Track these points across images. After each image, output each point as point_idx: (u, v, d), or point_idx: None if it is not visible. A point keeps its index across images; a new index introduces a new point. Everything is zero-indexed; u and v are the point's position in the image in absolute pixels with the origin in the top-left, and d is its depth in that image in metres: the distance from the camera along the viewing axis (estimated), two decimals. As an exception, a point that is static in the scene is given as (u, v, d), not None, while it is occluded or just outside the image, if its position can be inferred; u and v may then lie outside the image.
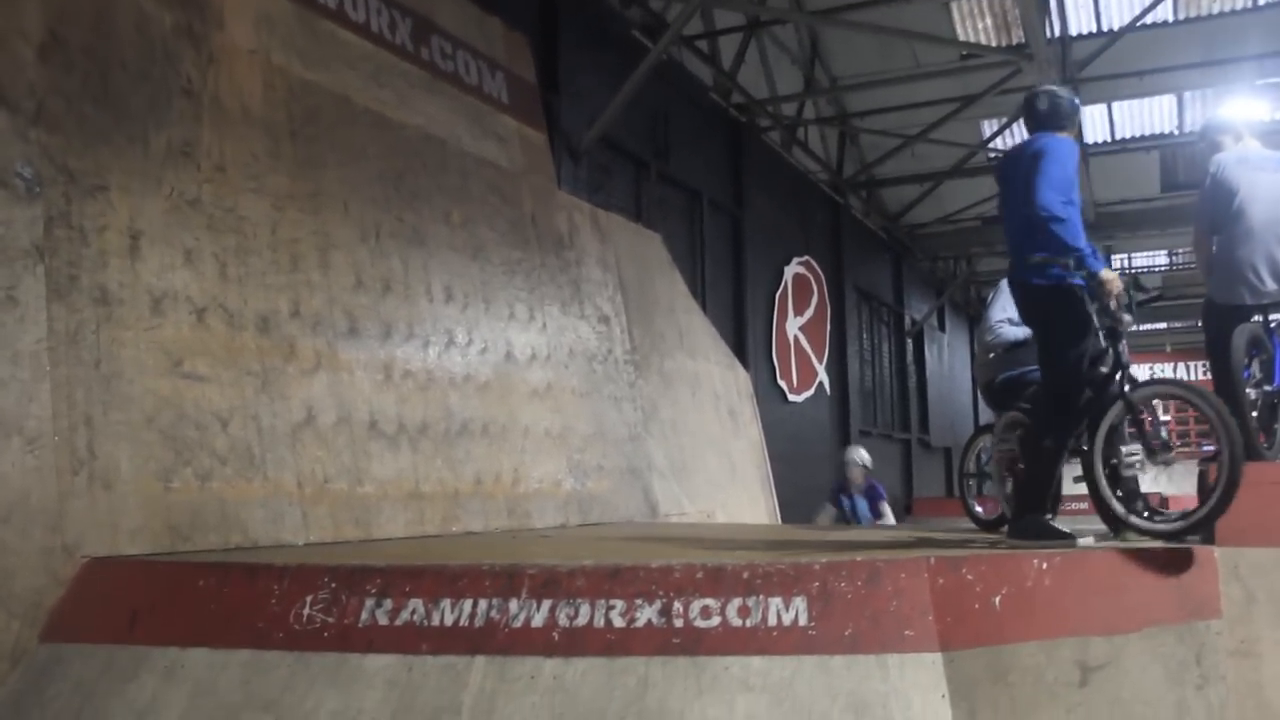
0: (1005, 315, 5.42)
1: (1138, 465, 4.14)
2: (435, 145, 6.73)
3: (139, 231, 4.63)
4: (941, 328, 21.16)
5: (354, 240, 5.86)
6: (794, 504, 10.66)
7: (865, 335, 16.93)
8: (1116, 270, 4.50)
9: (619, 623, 3.38)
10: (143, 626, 3.74)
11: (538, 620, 3.43)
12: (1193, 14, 13.14)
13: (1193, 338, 23.13)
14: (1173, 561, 3.76)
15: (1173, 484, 7.30)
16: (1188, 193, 13.95)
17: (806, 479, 11.94)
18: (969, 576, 3.41)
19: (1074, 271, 4.18)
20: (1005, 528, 4.83)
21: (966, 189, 16.34)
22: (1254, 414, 4.65)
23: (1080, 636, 3.45)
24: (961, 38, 13.48)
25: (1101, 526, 4.43)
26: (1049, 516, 4.37)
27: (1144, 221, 17.33)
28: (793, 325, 13.58)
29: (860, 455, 9.69)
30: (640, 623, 3.36)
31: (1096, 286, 4.19)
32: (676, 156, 10.80)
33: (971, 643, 3.27)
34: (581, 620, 3.40)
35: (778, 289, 13.25)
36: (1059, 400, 4.30)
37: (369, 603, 3.59)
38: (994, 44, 13.56)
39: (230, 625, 3.65)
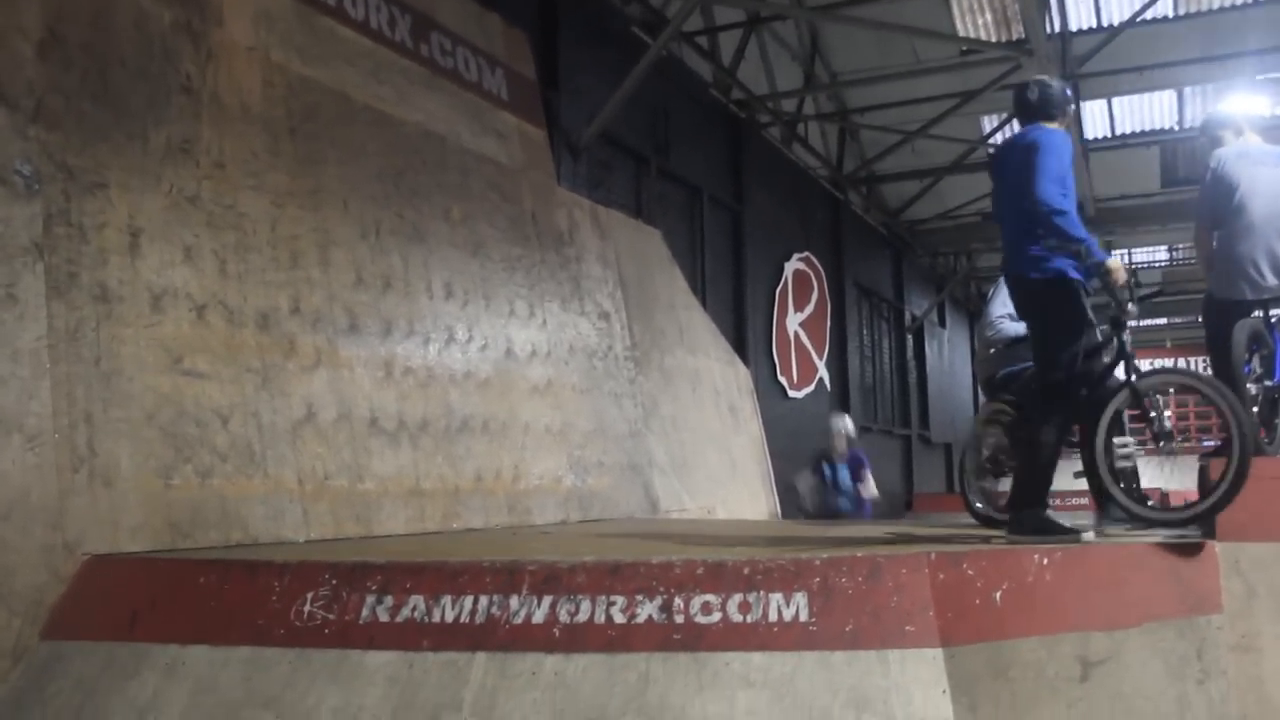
0: (1005, 310, 5.41)
1: (1132, 456, 4.16)
2: (435, 142, 6.72)
3: (138, 229, 4.63)
4: (942, 323, 21.17)
5: (354, 237, 5.86)
6: (795, 501, 10.65)
7: (865, 331, 16.93)
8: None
9: (620, 619, 3.38)
10: (143, 624, 3.74)
11: (538, 616, 3.44)
12: (1193, 9, 13.14)
13: (1193, 333, 23.12)
14: (1173, 556, 3.76)
15: (1173, 479, 7.30)
16: (1188, 188, 13.96)
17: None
18: (970, 572, 3.41)
19: (1082, 260, 4.17)
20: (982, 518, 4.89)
21: (967, 185, 16.31)
22: (1254, 409, 4.65)
23: (1081, 631, 3.45)
24: (961, 33, 13.48)
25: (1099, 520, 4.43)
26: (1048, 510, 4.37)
27: (1144, 217, 17.34)
28: (793, 321, 13.58)
29: (845, 424, 9.42)
30: (641, 619, 3.36)
31: (1104, 275, 4.19)
32: (676, 153, 10.80)
33: (972, 638, 3.27)
34: (582, 616, 3.41)
35: (778, 285, 13.26)
36: (1054, 394, 4.29)
37: (370, 599, 3.59)
38: (994, 39, 13.55)
39: (231, 622, 3.66)
